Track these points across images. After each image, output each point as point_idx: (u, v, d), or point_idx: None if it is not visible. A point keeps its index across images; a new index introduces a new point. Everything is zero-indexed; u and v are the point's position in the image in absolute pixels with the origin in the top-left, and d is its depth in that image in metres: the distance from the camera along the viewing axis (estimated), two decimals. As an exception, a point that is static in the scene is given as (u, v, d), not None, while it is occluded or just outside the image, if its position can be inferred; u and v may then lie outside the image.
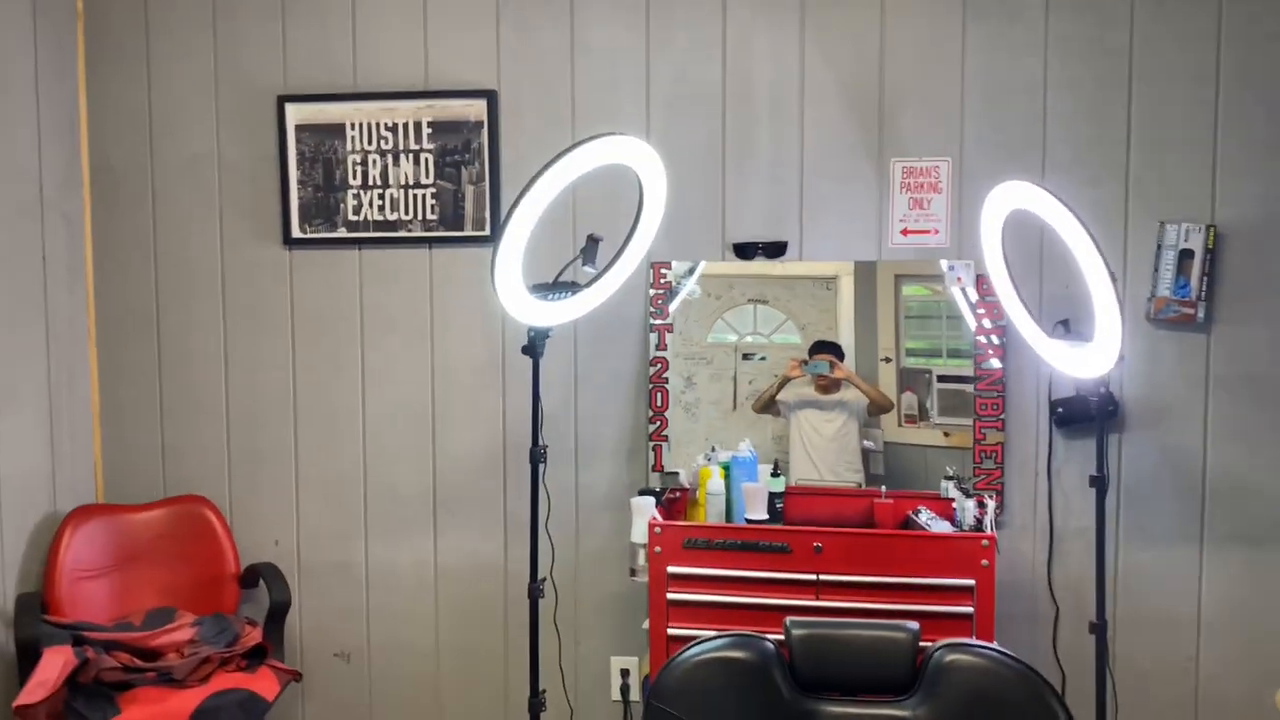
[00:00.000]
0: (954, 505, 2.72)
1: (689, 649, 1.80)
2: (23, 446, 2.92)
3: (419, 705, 3.17)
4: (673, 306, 2.99)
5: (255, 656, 2.82)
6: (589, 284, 2.42)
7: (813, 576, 2.55)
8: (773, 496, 2.75)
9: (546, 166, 2.21)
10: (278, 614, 2.97)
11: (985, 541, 2.50)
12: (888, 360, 2.94)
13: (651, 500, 2.62)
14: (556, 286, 2.37)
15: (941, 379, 2.91)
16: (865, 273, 2.94)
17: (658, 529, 2.57)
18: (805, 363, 2.93)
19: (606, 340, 3.02)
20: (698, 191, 2.96)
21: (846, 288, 2.95)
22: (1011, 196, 2.44)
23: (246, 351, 3.18)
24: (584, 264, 2.44)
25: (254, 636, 2.87)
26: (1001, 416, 2.87)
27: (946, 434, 2.90)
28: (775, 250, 2.92)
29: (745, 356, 3.01)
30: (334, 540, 3.18)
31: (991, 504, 2.63)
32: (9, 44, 2.87)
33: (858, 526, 2.78)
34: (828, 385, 2.94)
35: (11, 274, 2.88)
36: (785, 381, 2.95)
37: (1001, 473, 2.87)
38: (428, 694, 3.16)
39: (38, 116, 2.97)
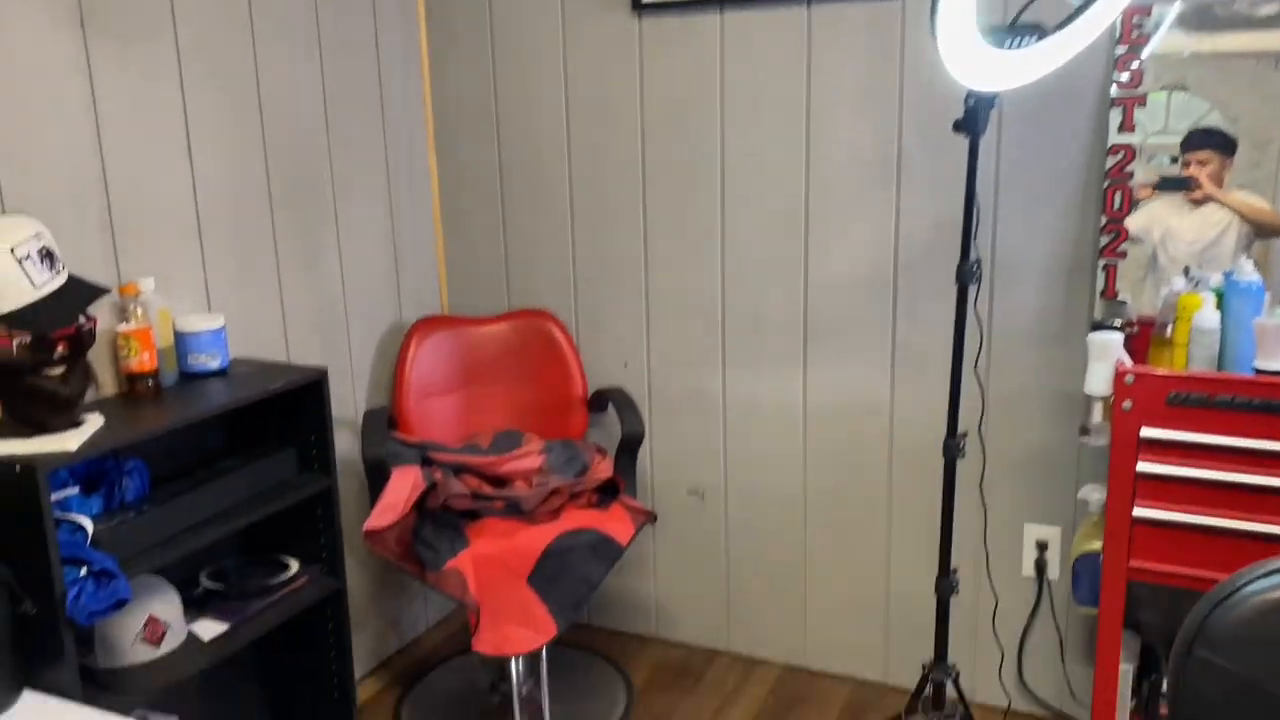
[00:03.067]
0: None
1: (1254, 580, 1.15)
2: (366, 246, 2.69)
3: (784, 558, 2.76)
4: (1146, 72, 2.16)
5: (607, 492, 2.50)
6: (1061, 26, 1.68)
7: (1369, 456, 1.77)
8: (1291, 337, 1.94)
9: None
10: (630, 446, 2.62)
11: None
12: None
13: (1119, 338, 1.92)
14: (1015, 30, 1.65)
15: None
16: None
17: (1129, 378, 1.88)
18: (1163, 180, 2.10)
19: (1043, 121, 2.26)
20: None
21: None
22: None
23: (591, 146, 2.73)
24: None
25: (604, 468, 2.55)
26: None
27: None
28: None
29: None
30: (688, 367, 2.76)
31: None
32: None
33: None
34: (1199, 200, 2.11)
35: (354, 62, 2.58)
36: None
37: None
38: (794, 546, 2.74)
39: None
